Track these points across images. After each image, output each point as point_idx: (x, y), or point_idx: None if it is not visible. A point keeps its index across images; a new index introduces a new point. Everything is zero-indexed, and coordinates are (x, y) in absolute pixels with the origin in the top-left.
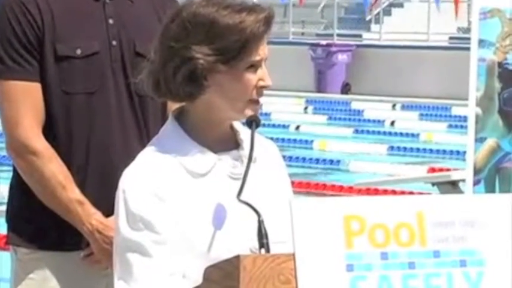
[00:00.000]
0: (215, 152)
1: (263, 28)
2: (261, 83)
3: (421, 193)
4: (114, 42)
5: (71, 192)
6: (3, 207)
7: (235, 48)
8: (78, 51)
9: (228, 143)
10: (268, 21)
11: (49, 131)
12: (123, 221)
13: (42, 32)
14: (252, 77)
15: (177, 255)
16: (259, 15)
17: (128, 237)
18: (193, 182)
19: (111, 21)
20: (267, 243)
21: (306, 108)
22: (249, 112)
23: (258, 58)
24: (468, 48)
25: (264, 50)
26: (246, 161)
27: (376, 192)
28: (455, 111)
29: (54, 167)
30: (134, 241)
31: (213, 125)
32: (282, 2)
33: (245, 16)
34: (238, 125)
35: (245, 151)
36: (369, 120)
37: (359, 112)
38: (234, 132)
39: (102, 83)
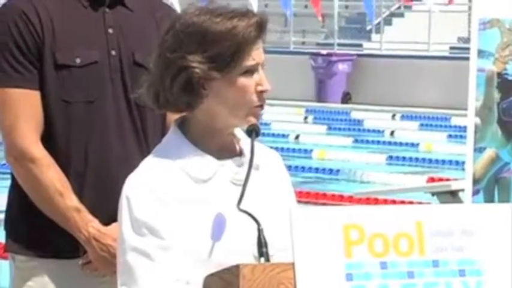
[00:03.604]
0: (218, 158)
1: (255, 33)
2: (259, 88)
3: (420, 203)
4: (113, 52)
5: (69, 200)
6: (0, 216)
7: (228, 55)
8: (78, 60)
9: (230, 150)
10: (260, 26)
11: (48, 139)
12: (127, 227)
13: (42, 40)
14: (248, 82)
15: (180, 260)
16: (251, 20)
17: (132, 243)
18: (196, 188)
19: (110, 30)
20: (267, 252)
21: (306, 117)
22: (251, 118)
23: (252, 63)
24: (468, 58)
25: (259, 55)
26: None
27: (376, 201)
28: (455, 121)
29: (52, 175)
30: (138, 247)
31: (214, 133)
32: (285, 9)
33: (237, 22)
34: (240, 133)
35: (247, 158)
36: (368, 130)
37: (359, 122)
38: (236, 140)
39: (101, 93)
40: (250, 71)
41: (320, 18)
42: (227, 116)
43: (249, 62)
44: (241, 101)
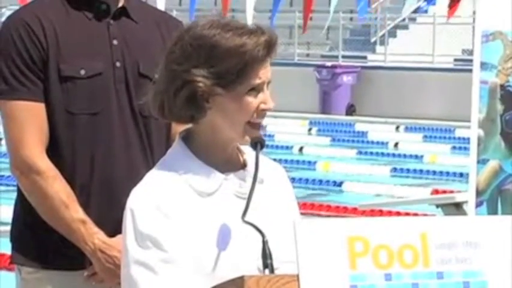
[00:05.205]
0: (222, 172)
1: (263, 52)
2: (262, 106)
3: (425, 214)
4: (118, 63)
5: (74, 212)
6: (6, 228)
7: (234, 72)
8: (82, 72)
9: (234, 163)
10: (269, 45)
11: (53, 151)
12: (131, 239)
13: (47, 52)
14: (252, 100)
15: (183, 273)
16: (260, 38)
17: (136, 256)
18: (200, 201)
19: (115, 42)
20: (271, 264)
21: (309, 129)
22: (247, 137)
23: (258, 81)
24: (472, 70)
25: (266, 74)
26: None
27: (381, 213)
28: (459, 133)
29: (57, 186)
30: (142, 260)
31: (218, 146)
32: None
33: (246, 39)
34: (244, 146)
35: (251, 171)
36: (372, 142)
37: (363, 133)
38: (240, 153)
39: (106, 104)
40: (255, 89)
41: (305, 32)
42: (228, 130)
43: (255, 81)
44: (241, 117)
